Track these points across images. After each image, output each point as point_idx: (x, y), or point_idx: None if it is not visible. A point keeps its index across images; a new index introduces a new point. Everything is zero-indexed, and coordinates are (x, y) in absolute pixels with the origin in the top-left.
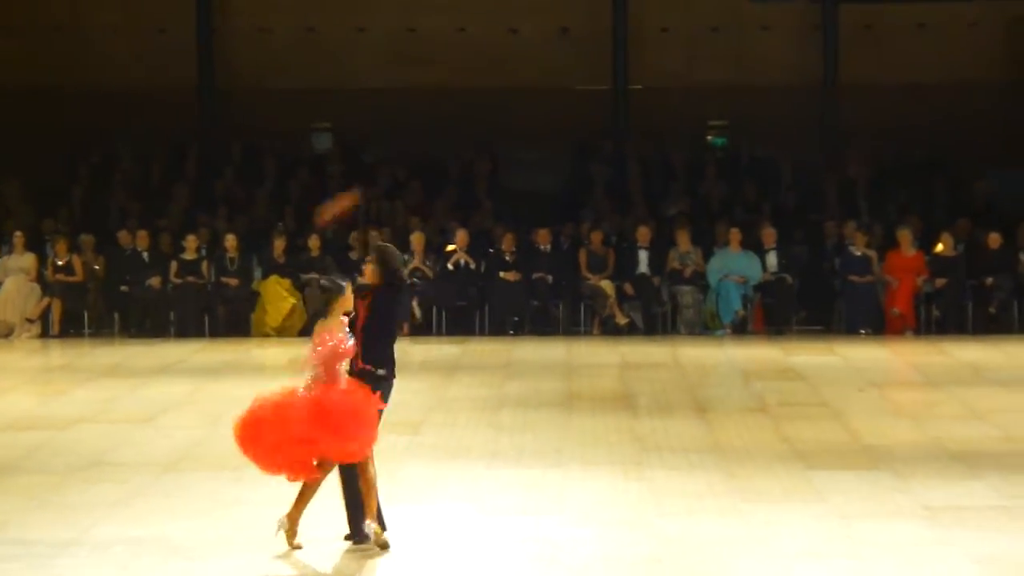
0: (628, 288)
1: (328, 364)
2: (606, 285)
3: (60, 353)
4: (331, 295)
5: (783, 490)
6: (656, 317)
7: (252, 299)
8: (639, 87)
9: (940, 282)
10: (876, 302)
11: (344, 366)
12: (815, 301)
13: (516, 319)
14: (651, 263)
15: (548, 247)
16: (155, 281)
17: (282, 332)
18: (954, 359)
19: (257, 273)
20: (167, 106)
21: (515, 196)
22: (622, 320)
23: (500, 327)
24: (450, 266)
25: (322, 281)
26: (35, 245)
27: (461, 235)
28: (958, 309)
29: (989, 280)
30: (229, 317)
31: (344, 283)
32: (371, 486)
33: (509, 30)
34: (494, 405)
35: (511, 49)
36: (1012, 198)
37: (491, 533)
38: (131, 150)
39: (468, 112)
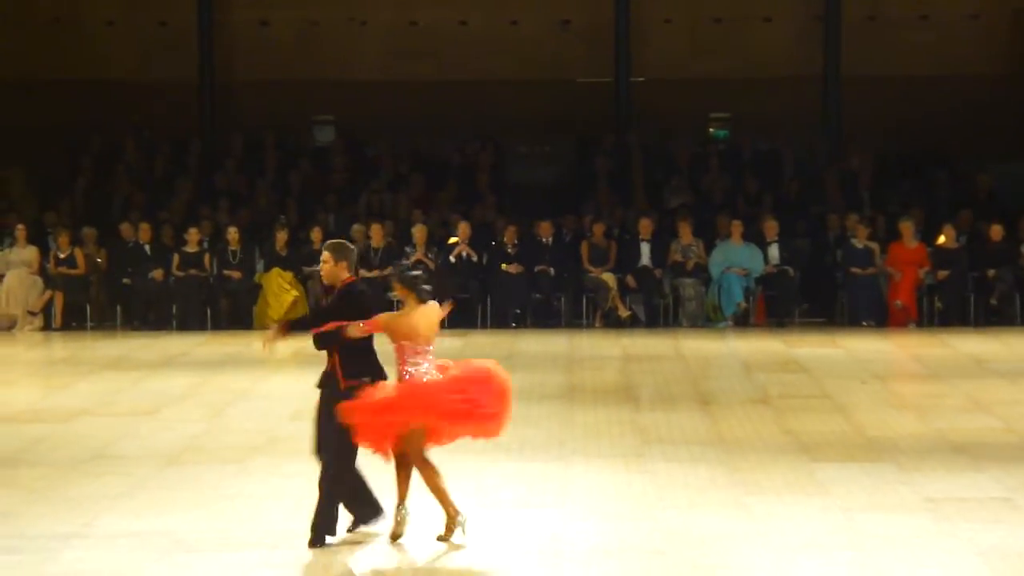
0: (630, 280)
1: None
2: (608, 278)
3: (62, 346)
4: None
5: (786, 482)
6: (658, 309)
7: (254, 292)
8: (641, 79)
9: (942, 274)
10: (878, 294)
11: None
12: (817, 293)
13: (518, 311)
14: (653, 255)
15: (550, 240)
16: (157, 274)
17: None
18: (956, 351)
19: (259, 266)
20: (169, 99)
21: (517, 189)
22: (624, 313)
23: (502, 320)
24: (452, 259)
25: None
26: (37, 238)
27: (463, 228)
28: (960, 301)
29: (991, 272)
30: (231, 310)
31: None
32: (410, 473)
33: (511, 22)
34: None
35: (513, 42)
36: (1014, 190)
37: (494, 526)
38: (133, 143)
39: (470, 105)
